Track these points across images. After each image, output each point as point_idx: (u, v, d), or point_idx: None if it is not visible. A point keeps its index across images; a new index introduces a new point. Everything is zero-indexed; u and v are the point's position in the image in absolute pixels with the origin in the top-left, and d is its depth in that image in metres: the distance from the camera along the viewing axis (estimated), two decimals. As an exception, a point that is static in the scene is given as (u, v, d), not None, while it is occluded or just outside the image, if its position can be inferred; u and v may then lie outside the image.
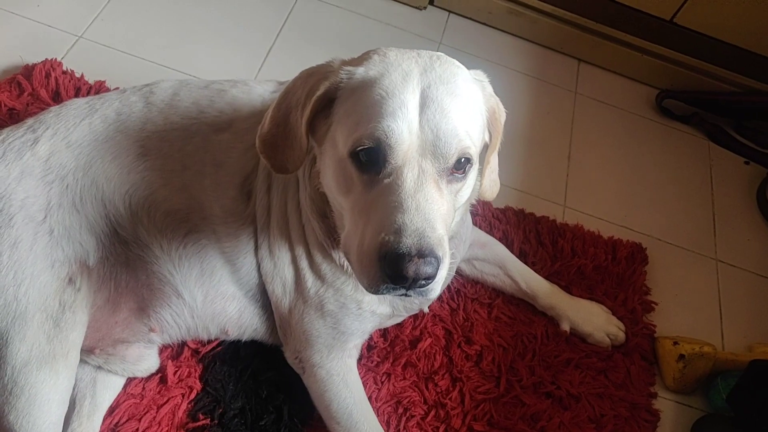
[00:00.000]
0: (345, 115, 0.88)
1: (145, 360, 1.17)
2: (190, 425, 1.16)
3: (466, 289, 1.46)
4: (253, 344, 1.24)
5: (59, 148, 1.06)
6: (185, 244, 1.10)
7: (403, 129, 0.81)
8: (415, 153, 0.82)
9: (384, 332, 1.34)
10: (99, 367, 1.14)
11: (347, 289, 1.09)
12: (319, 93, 0.88)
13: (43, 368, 0.97)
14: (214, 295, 1.13)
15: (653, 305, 1.56)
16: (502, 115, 0.96)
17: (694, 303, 1.61)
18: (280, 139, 0.93)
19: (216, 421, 1.17)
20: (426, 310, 1.37)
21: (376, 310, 1.12)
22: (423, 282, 0.80)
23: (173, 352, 1.24)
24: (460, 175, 0.86)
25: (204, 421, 1.17)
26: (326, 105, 0.90)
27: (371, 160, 0.83)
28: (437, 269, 0.79)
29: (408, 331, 1.37)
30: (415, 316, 1.37)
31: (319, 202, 1.04)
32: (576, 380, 1.38)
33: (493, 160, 1.01)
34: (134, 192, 1.08)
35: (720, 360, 1.41)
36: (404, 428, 1.25)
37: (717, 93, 2.05)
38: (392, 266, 0.78)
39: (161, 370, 1.21)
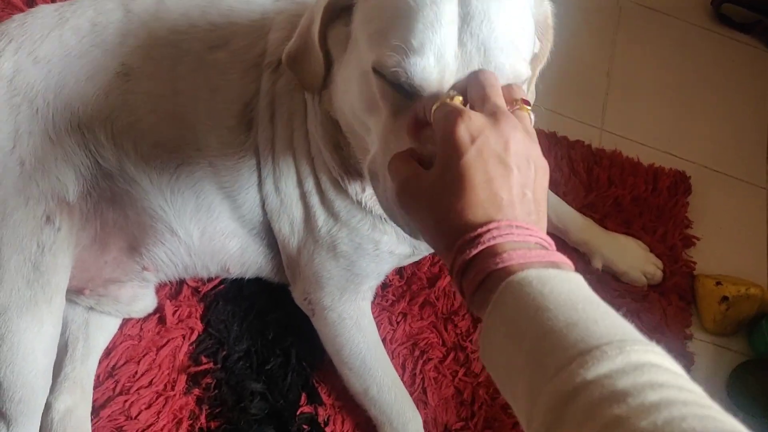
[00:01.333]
0: (366, 20, 0.73)
1: (141, 300, 1.09)
2: (192, 369, 1.09)
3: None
4: (258, 282, 1.14)
5: (25, 65, 0.92)
6: (177, 177, 0.98)
7: (432, 64, 0.65)
8: (453, 80, 0.67)
9: (400, 269, 1.24)
10: (91, 308, 1.06)
11: (363, 228, 0.97)
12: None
13: (25, 315, 0.88)
14: (212, 232, 1.02)
15: (694, 240, 1.42)
16: (551, 19, 0.81)
17: (740, 238, 1.48)
18: (302, 53, 0.83)
19: (219, 365, 1.10)
20: None
21: (394, 251, 1.01)
22: None
23: (171, 290, 1.16)
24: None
25: (207, 365, 1.10)
26: (346, 8, 0.77)
27: (399, 88, 0.68)
28: None
29: (426, 268, 1.26)
30: (433, 253, 1.26)
31: (332, 131, 0.91)
32: (607, 321, 1.28)
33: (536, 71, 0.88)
34: (116, 118, 0.95)
35: (767, 302, 1.30)
36: (420, 372, 1.17)
37: (782, -5, 1.80)
38: None
39: (159, 310, 1.12)
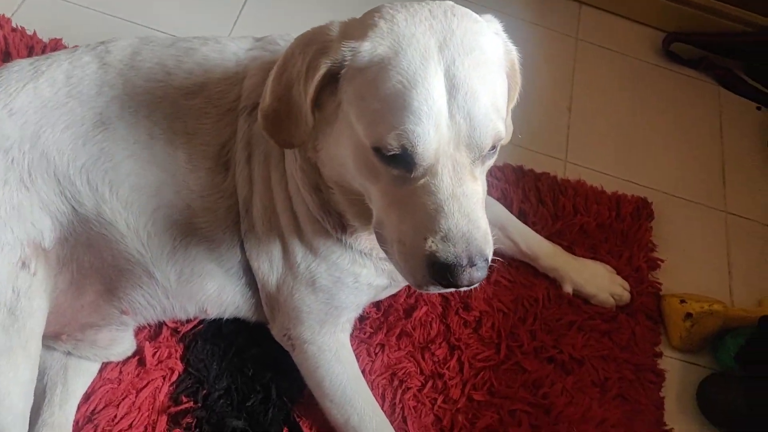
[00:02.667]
0: (358, 97, 0.78)
1: (119, 343, 1.09)
2: (173, 409, 1.10)
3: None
4: (236, 321, 1.16)
5: (0, 117, 0.95)
6: (155, 221, 1.01)
7: (431, 131, 0.74)
8: (447, 148, 0.75)
9: (378, 302, 1.27)
10: (69, 353, 1.07)
11: (343, 263, 1.01)
12: (320, 73, 0.78)
13: (0, 360, 0.89)
14: (189, 274, 1.04)
15: (659, 262, 1.48)
16: (517, 64, 0.88)
17: (702, 258, 1.54)
18: (283, 114, 0.84)
19: (200, 404, 1.11)
20: None
21: (373, 282, 1.05)
22: (473, 286, 0.78)
23: (150, 332, 1.17)
24: (491, 153, 0.80)
25: (187, 404, 1.10)
26: (330, 80, 0.81)
27: (399, 159, 0.76)
28: (487, 268, 0.78)
29: (402, 300, 1.29)
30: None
31: (312, 175, 0.95)
32: (579, 343, 1.31)
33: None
34: (92, 166, 0.98)
35: (729, 317, 1.35)
36: (400, 401, 1.18)
37: (727, 34, 1.92)
38: (444, 276, 0.76)
39: (138, 353, 1.13)
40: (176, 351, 1.16)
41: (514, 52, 0.88)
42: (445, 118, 0.74)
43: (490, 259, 0.79)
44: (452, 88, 0.74)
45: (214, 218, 1.02)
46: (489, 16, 0.87)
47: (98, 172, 0.98)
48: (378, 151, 0.76)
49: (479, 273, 0.76)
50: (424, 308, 1.29)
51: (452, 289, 0.81)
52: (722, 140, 1.78)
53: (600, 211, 1.52)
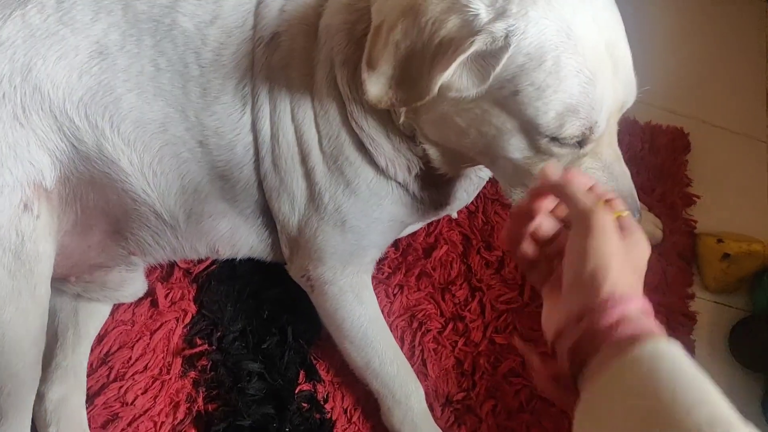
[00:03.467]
0: (534, 87, 0.73)
1: (130, 284, 1.06)
2: (187, 351, 1.07)
3: (485, 188, 1.29)
4: (251, 261, 1.11)
5: None
6: (161, 158, 0.94)
7: (607, 116, 0.75)
8: (612, 119, 0.78)
9: (395, 241, 1.21)
10: (78, 296, 1.03)
11: (386, 203, 0.96)
12: (467, 54, 0.70)
13: (8, 307, 0.85)
14: (199, 214, 0.99)
15: (695, 199, 1.40)
16: None
17: (742, 194, 1.45)
18: (397, 80, 0.76)
19: (215, 346, 1.08)
20: (455, 215, 1.24)
21: (407, 220, 1.02)
22: None
23: (162, 273, 1.13)
24: None
25: (202, 347, 1.08)
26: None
27: (572, 142, 0.77)
28: None
29: (421, 239, 1.23)
30: (428, 222, 1.23)
31: (388, 122, 0.89)
32: (607, 284, 1.26)
33: None
34: (90, 100, 0.90)
35: (769, 258, 1.28)
36: (419, 344, 1.15)
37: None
38: None
39: (151, 294, 1.10)
40: (189, 292, 1.12)
41: None
42: (615, 98, 0.76)
43: None
44: (616, 67, 0.75)
45: (230, 156, 0.95)
46: None
47: (97, 106, 0.90)
48: (555, 139, 0.76)
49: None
50: (445, 247, 1.23)
51: None
52: (767, 63, 1.65)
53: (632, 142, 1.43)
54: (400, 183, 0.95)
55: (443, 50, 0.70)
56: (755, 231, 1.38)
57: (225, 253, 1.06)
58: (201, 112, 0.92)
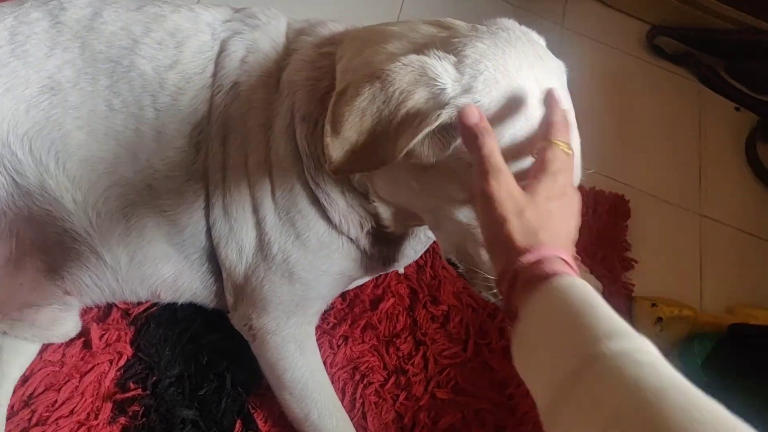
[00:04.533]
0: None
1: (62, 324, 1.01)
2: (119, 396, 1.03)
3: (436, 244, 1.33)
4: (192, 304, 1.09)
5: None
6: (106, 198, 0.92)
7: None
8: None
9: (343, 292, 1.21)
10: (5, 333, 0.98)
11: (335, 256, 0.95)
12: (432, 126, 0.70)
13: None
14: (142, 258, 0.97)
15: (633, 263, 1.46)
16: None
17: (675, 261, 1.53)
18: (361, 146, 0.74)
19: (149, 391, 1.04)
20: (401, 270, 1.25)
21: (354, 275, 1.02)
22: None
23: (99, 313, 1.09)
24: None
25: (135, 391, 1.04)
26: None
27: None
28: None
29: (369, 291, 1.24)
30: (377, 276, 1.24)
31: (344, 181, 0.90)
32: (548, 343, 1.28)
33: None
34: (36, 134, 0.88)
35: (699, 323, 1.34)
36: (361, 396, 1.14)
37: (711, 30, 1.90)
38: None
39: (84, 334, 1.05)
40: (126, 334, 1.08)
41: None
42: None
43: None
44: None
45: (179, 201, 0.94)
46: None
47: (43, 141, 0.89)
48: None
49: None
50: (392, 300, 1.24)
51: None
52: (700, 140, 1.77)
53: (576, 207, 1.48)
54: (351, 239, 0.95)
55: (410, 121, 0.71)
56: (687, 296, 1.44)
57: (167, 298, 1.03)
58: (153, 155, 0.92)
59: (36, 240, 0.92)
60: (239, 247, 0.96)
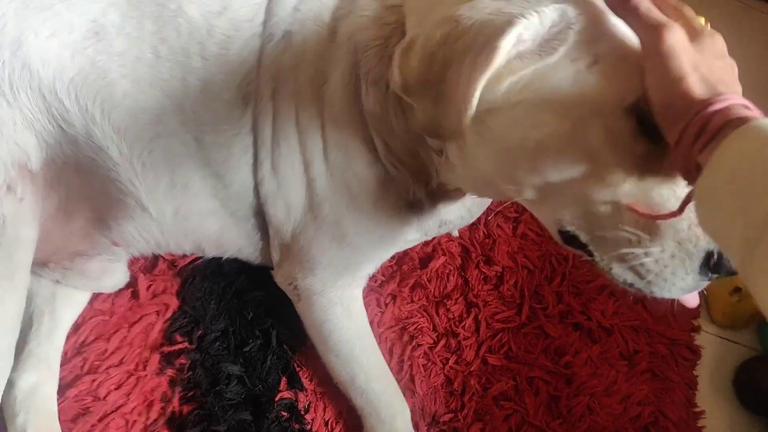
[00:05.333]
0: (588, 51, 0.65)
1: (111, 274, 1.02)
2: (166, 348, 1.03)
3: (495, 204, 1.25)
4: (237, 259, 1.07)
5: None
6: (152, 150, 0.89)
7: None
8: None
9: (391, 249, 1.16)
10: (57, 282, 0.99)
11: (391, 221, 0.90)
12: (516, 31, 0.62)
13: None
14: (187, 212, 0.94)
15: (709, 226, 1.34)
16: None
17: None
18: (427, 89, 0.68)
19: (195, 345, 1.04)
20: (456, 233, 1.19)
21: (408, 236, 0.96)
22: None
23: (146, 263, 1.09)
24: None
25: (182, 344, 1.04)
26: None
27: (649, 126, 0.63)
28: None
29: (419, 248, 1.19)
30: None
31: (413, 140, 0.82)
32: (609, 310, 1.21)
33: None
34: (82, 82, 0.85)
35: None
36: (409, 358, 1.10)
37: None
38: (720, 266, 0.65)
39: (132, 284, 1.06)
40: (172, 285, 1.08)
41: None
42: None
43: None
44: None
45: (226, 156, 0.91)
46: None
47: (89, 90, 0.86)
48: (634, 111, 0.62)
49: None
50: (442, 259, 1.19)
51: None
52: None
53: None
54: (410, 203, 0.89)
55: (486, 41, 0.62)
56: None
57: (211, 253, 1.02)
58: (200, 106, 0.88)
59: (84, 189, 0.91)
60: (287, 205, 0.92)
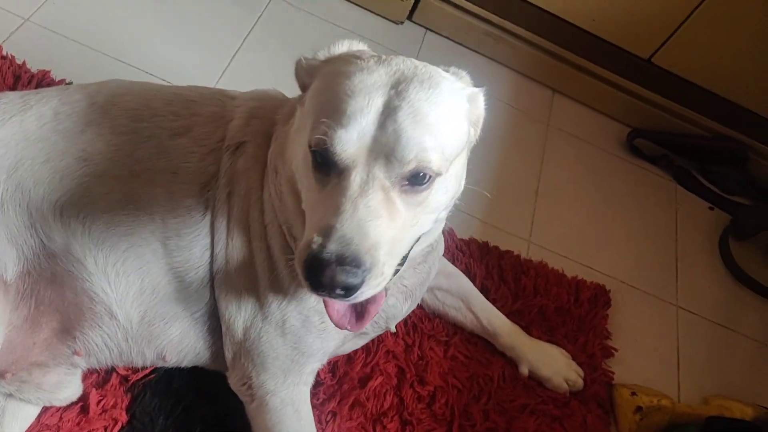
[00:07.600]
0: (311, 94, 0.86)
1: (66, 387, 1.05)
2: (111, 464, 1.05)
3: (423, 324, 1.39)
4: (189, 376, 1.14)
5: None
6: (125, 259, 0.99)
7: (354, 135, 0.77)
8: (366, 156, 0.77)
9: (333, 368, 1.26)
10: (10, 395, 1.02)
11: (310, 301, 1.00)
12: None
13: None
14: (153, 316, 1.02)
15: (613, 351, 1.52)
16: (482, 109, 0.93)
17: (653, 350, 1.58)
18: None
19: (140, 460, 1.06)
20: (393, 329, 1.28)
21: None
22: (340, 291, 0.74)
23: (99, 379, 1.13)
24: (421, 181, 0.79)
25: (127, 459, 1.06)
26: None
27: (324, 161, 0.79)
28: (361, 279, 0.74)
29: (358, 368, 1.28)
30: (367, 352, 1.29)
31: (293, 202, 0.95)
32: (531, 427, 1.32)
33: None
34: (68, 200, 0.97)
35: (676, 413, 1.38)
36: (347, 474, 1.16)
37: (686, 135, 2.05)
38: (309, 269, 0.74)
39: (83, 399, 1.09)
40: (123, 401, 1.12)
41: (481, 100, 0.91)
42: (371, 130, 0.77)
43: (369, 273, 0.75)
44: (392, 108, 0.78)
45: (188, 256, 1.01)
46: (456, 69, 0.91)
47: (73, 207, 0.97)
48: (310, 149, 0.79)
49: (345, 276, 0.73)
50: (380, 379, 1.28)
51: (324, 294, 0.76)
52: (677, 235, 1.87)
53: (559, 294, 1.56)
54: None
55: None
56: (664, 385, 1.49)
57: (171, 359, 1.07)
58: (165, 214, 1.00)
59: (54, 300, 0.98)
60: (239, 298, 1.02)
